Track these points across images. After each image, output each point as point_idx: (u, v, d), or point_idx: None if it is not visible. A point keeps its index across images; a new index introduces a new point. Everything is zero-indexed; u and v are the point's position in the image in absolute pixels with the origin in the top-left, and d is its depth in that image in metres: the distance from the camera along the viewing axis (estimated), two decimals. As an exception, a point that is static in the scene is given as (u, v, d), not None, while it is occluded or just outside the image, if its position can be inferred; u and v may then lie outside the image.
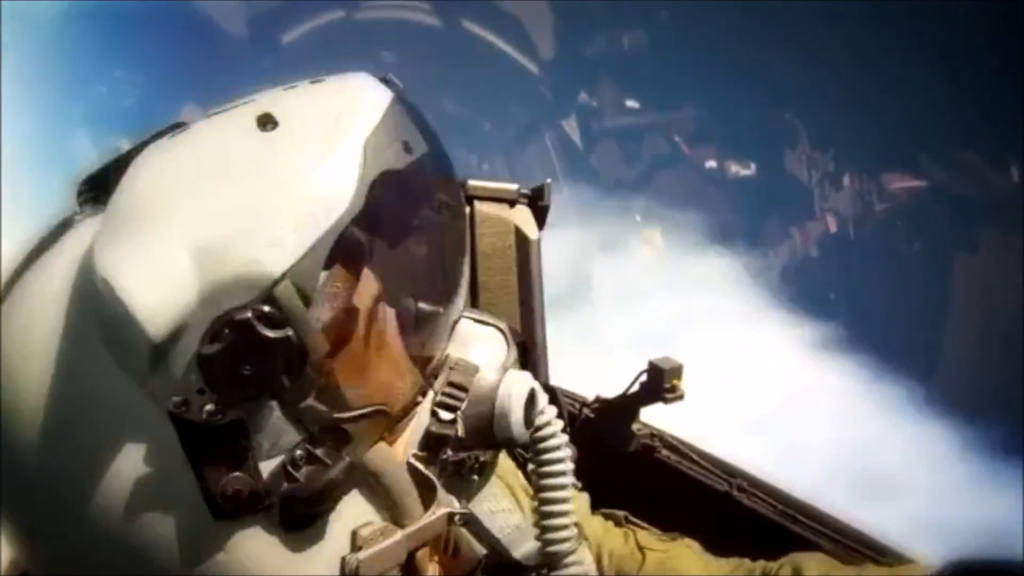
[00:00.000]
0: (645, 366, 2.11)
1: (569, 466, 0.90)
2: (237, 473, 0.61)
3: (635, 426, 2.22)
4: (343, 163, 0.62)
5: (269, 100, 0.70)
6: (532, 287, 2.13)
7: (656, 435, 2.20)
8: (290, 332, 0.59)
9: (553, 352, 2.22)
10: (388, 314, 0.71)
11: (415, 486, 0.73)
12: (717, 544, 2.08)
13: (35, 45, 11.41)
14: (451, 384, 0.77)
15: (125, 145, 0.75)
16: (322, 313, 0.61)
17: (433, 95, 14.50)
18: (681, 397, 2.03)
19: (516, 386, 0.79)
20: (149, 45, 12.98)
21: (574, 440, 2.05)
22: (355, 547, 0.68)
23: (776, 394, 8.15)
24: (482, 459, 0.79)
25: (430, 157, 0.72)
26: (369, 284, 0.68)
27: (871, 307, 12.90)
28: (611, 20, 12.90)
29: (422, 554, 0.76)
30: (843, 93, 11.77)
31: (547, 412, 0.86)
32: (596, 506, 1.62)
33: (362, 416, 0.67)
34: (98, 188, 0.71)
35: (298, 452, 0.63)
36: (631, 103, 13.76)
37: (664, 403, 2.04)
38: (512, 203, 2.14)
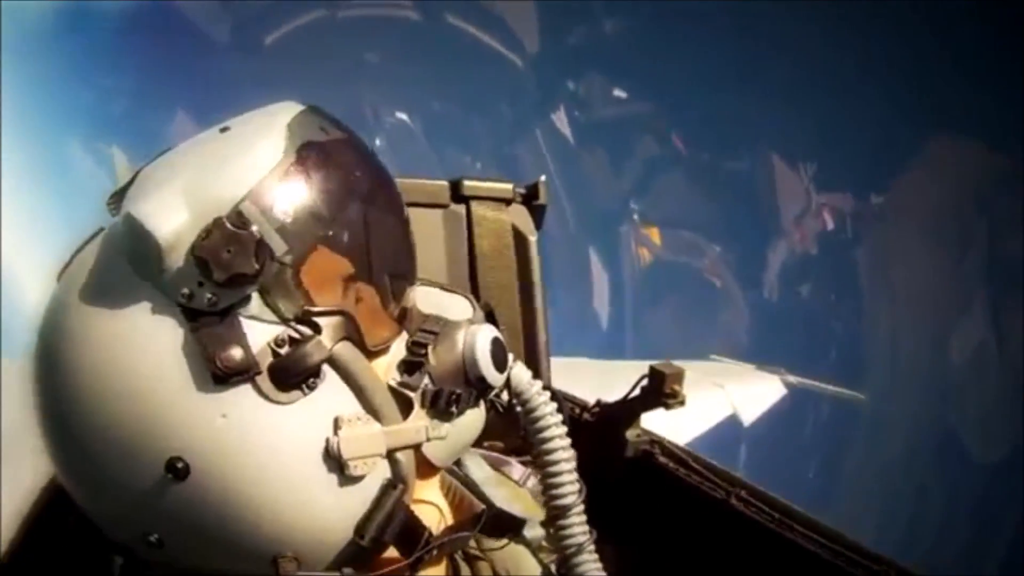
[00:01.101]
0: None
1: (562, 428, 1.10)
2: (233, 346, 0.80)
3: (635, 432, 2.20)
4: (274, 135, 0.87)
5: (227, 122, 0.95)
6: (532, 287, 2.12)
7: (656, 442, 2.18)
8: (255, 229, 0.80)
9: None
10: (349, 247, 0.90)
11: (396, 402, 0.92)
12: (715, 553, 2.07)
13: (29, 53, 11.40)
14: (422, 330, 0.97)
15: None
16: (279, 223, 0.82)
17: (421, 95, 14.50)
18: (682, 403, 2.01)
19: (481, 330, 0.99)
20: (136, 51, 12.97)
21: (574, 445, 2.04)
22: (336, 430, 0.86)
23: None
24: (459, 393, 0.96)
25: (349, 139, 0.95)
26: (323, 222, 0.88)
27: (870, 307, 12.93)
28: (598, 13, 12.89)
29: (409, 462, 0.93)
30: (837, 85, 11.76)
31: (522, 374, 1.06)
32: (595, 511, 1.61)
33: (327, 312, 0.86)
34: (121, 199, 0.92)
35: (280, 335, 0.83)
36: (621, 96, 13.73)
37: (665, 408, 2.02)
38: (508, 202, 2.13)
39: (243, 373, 0.82)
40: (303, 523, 0.87)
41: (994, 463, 10.91)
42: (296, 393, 0.84)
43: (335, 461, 0.86)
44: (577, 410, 2.26)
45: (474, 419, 1.03)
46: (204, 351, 0.80)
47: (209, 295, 0.81)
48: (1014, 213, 10.31)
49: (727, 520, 1.96)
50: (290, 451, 0.85)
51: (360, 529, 0.90)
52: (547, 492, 1.13)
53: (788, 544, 1.82)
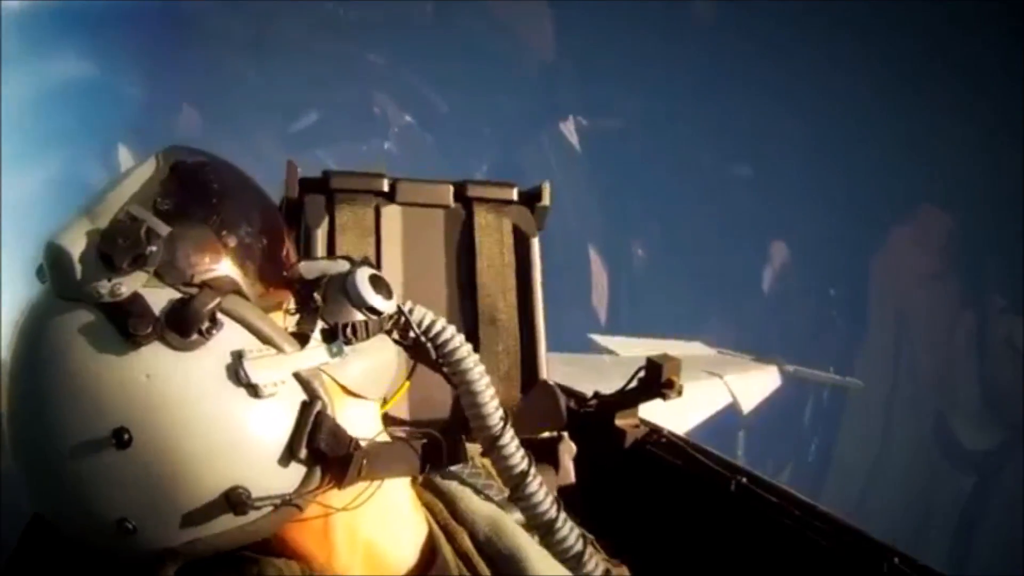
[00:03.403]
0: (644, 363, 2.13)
1: (474, 356, 1.15)
2: (140, 314, 0.91)
3: (633, 422, 2.23)
4: (149, 161, 1.01)
5: None
6: (532, 286, 2.13)
7: (654, 431, 2.21)
8: (143, 222, 0.93)
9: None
10: (225, 228, 1.01)
11: (297, 341, 1.00)
12: (716, 539, 2.10)
13: (33, 50, 11.33)
14: (307, 285, 1.07)
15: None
16: (160, 212, 0.95)
17: (430, 96, 14.39)
18: (679, 393, 2.03)
19: (359, 269, 1.07)
20: (143, 48, 12.87)
21: (573, 438, 2.06)
22: (241, 359, 0.94)
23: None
24: (354, 323, 1.04)
25: (215, 158, 1.07)
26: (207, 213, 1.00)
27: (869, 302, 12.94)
28: (609, 22, 12.82)
29: (323, 383, 1.00)
30: (842, 96, 11.75)
31: (421, 310, 1.14)
32: (595, 503, 1.63)
33: (209, 275, 0.96)
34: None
35: (176, 298, 0.93)
36: (627, 104, 13.66)
37: (663, 399, 2.04)
38: (511, 204, 2.15)
39: (154, 333, 0.91)
40: (241, 456, 0.94)
41: (984, 451, 11.01)
42: (199, 339, 0.92)
43: (247, 387, 0.94)
44: (575, 403, 2.29)
45: (380, 344, 1.09)
46: (117, 325, 0.91)
47: (118, 286, 0.92)
48: (1013, 211, 10.36)
49: (727, 507, 1.98)
50: (207, 390, 0.93)
51: (292, 446, 0.98)
52: (474, 424, 1.18)
53: (788, 529, 1.84)
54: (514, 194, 2.16)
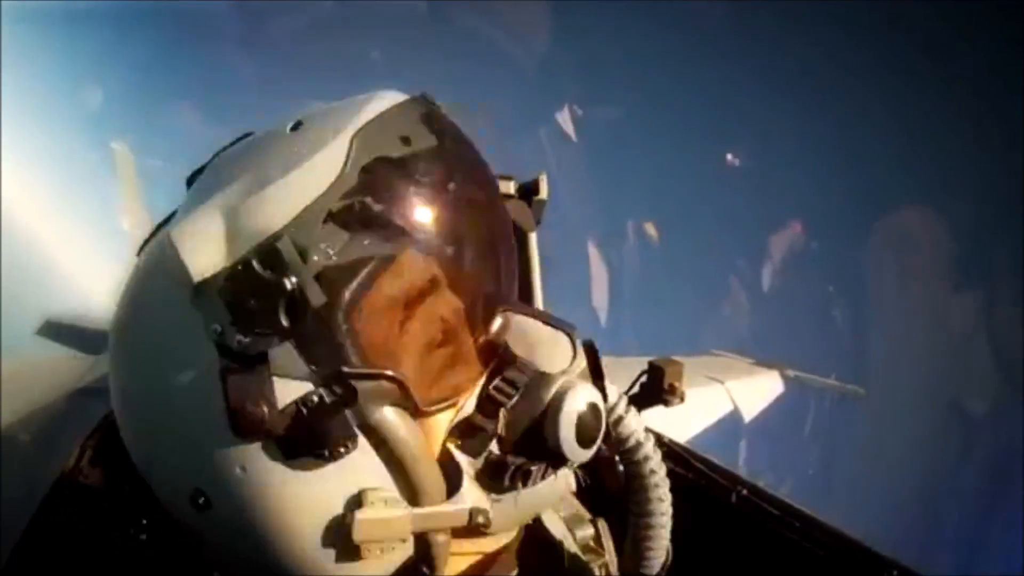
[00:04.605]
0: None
1: (668, 496, 1.03)
2: (256, 401, 0.72)
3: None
4: (333, 150, 0.74)
5: (309, 112, 0.85)
6: (531, 283, 2.07)
7: (656, 439, 2.16)
8: (289, 277, 0.70)
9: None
10: (412, 287, 0.78)
11: (443, 472, 0.79)
12: (715, 552, 2.06)
13: (34, 47, 11.38)
14: (504, 379, 0.81)
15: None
16: (320, 268, 0.71)
17: (424, 88, 14.43)
18: (682, 399, 1.99)
19: (575, 392, 0.83)
20: (140, 45, 12.95)
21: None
22: (357, 506, 0.75)
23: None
24: (529, 469, 0.82)
25: (440, 152, 0.80)
26: (398, 267, 0.76)
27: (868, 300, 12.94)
28: (603, 14, 12.87)
29: (442, 543, 0.81)
30: (843, 87, 11.78)
31: (632, 424, 0.96)
32: (594, 512, 1.59)
33: (366, 375, 0.74)
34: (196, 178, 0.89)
35: (312, 396, 0.73)
36: (624, 96, 13.71)
37: (664, 405, 2.01)
38: (508, 198, 2.10)
39: (261, 429, 0.74)
40: None
41: (988, 458, 10.99)
42: (317, 462, 0.75)
43: (350, 541, 0.77)
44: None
45: (546, 490, 0.89)
46: (227, 399, 0.74)
47: (239, 337, 0.73)
48: (1014, 205, 10.39)
49: (728, 518, 1.95)
50: (304, 521, 0.77)
51: None
52: (635, 553, 1.08)
53: (789, 543, 1.81)
54: (511, 188, 2.11)
